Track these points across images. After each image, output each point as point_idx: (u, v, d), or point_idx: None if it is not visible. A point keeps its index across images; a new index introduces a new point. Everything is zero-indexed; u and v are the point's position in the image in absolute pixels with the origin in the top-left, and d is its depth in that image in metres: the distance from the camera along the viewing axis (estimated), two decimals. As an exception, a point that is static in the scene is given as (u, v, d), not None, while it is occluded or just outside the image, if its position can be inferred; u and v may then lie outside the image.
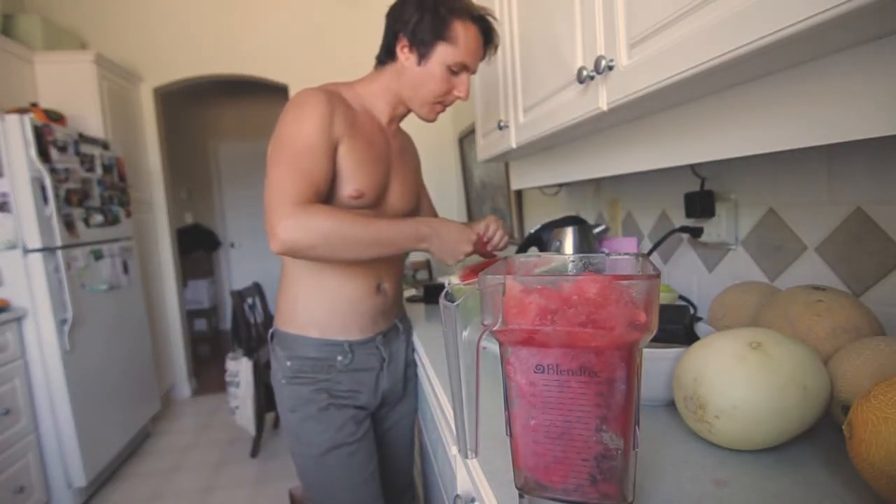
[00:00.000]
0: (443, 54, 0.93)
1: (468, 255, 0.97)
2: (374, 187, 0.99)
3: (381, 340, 1.08)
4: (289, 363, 1.01)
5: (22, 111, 2.05)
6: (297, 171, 0.87)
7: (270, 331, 1.08)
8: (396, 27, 0.95)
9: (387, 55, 0.99)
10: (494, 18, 0.98)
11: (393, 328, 1.12)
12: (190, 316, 4.23)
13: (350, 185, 0.94)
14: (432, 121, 1.05)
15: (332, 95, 0.94)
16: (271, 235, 0.85)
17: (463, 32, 0.93)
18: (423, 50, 0.94)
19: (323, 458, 1.01)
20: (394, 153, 1.06)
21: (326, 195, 0.94)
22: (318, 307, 1.01)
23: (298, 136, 0.89)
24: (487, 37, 0.97)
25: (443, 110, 1.03)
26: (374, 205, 1.00)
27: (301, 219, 0.84)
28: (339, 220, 0.86)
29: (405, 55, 0.96)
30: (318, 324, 1.01)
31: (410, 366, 1.18)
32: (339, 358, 1.02)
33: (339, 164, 0.93)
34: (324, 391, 1.01)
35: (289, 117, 0.91)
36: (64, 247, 2.08)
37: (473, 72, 0.98)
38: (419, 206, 1.20)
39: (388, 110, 1.03)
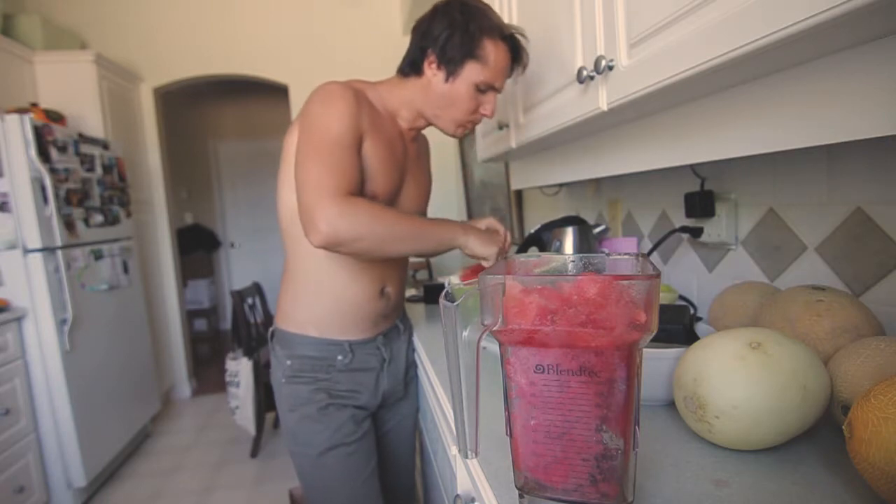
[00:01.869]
0: (471, 73, 0.92)
1: (500, 245, 0.97)
2: (388, 191, 0.98)
3: (382, 341, 1.07)
4: (288, 362, 1.01)
5: (22, 111, 2.06)
6: (331, 164, 0.86)
7: (270, 329, 1.07)
8: (424, 43, 0.93)
9: (411, 69, 0.97)
10: (524, 37, 0.96)
11: (394, 328, 1.11)
12: (190, 316, 4.23)
13: (365, 185, 0.93)
14: (458, 137, 1.04)
15: (358, 92, 0.93)
16: (312, 229, 0.82)
17: (493, 51, 0.91)
18: (451, 67, 0.92)
19: (321, 458, 1.00)
20: (410, 158, 1.05)
21: None
22: (319, 307, 1.00)
23: (330, 129, 0.87)
24: (516, 55, 0.95)
25: (470, 129, 1.02)
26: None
27: (345, 210, 0.82)
28: (382, 213, 0.86)
29: (433, 71, 0.94)
30: (319, 323, 1.01)
31: (412, 366, 1.17)
32: (339, 357, 1.01)
33: (361, 161, 0.92)
34: (323, 391, 1.01)
35: (318, 109, 0.89)
36: (64, 247, 2.08)
37: (500, 91, 0.97)
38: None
39: (409, 120, 1.02)
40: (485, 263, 0.98)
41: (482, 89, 0.94)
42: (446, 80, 0.93)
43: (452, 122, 0.98)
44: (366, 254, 0.89)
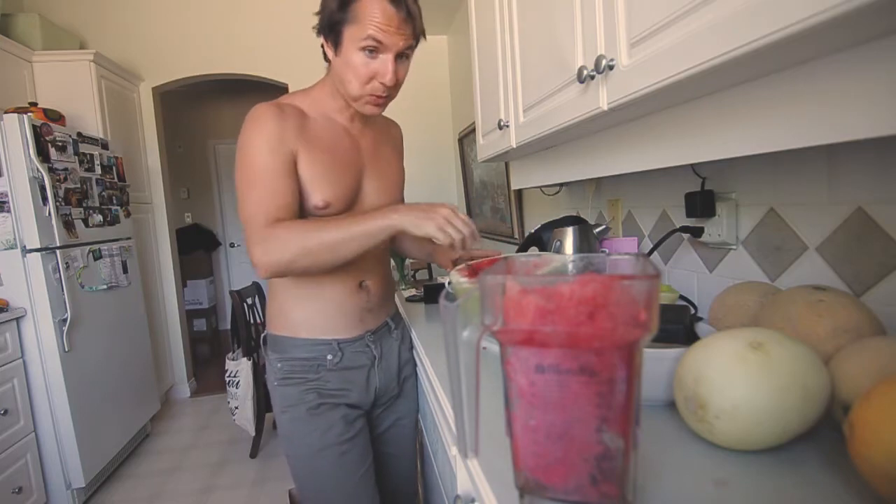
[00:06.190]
0: (350, 36, 0.88)
1: (448, 218, 0.85)
2: (343, 196, 0.97)
3: (371, 338, 1.07)
4: (279, 365, 1.02)
5: (21, 110, 2.05)
6: (261, 193, 0.88)
7: (263, 335, 1.08)
8: (317, 26, 0.94)
9: (324, 57, 0.97)
10: None
11: (384, 326, 1.11)
12: (190, 316, 4.23)
13: (315, 195, 0.94)
14: (374, 114, 0.98)
15: (283, 108, 0.93)
16: (254, 264, 0.87)
17: (362, 8, 0.87)
18: (334, 38, 0.91)
19: (313, 459, 1.01)
20: (365, 153, 1.04)
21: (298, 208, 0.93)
22: (304, 308, 1.02)
23: (254, 157, 0.89)
24: (396, 3, 0.87)
25: (381, 101, 0.95)
26: (345, 211, 0.99)
27: (272, 239, 0.86)
28: (309, 228, 0.87)
29: (328, 50, 0.94)
30: (306, 324, 1.02)
31: (406, 364, 1.17)
32: (329, 357, 1.02)
33: (300, 175, 0.93)
34: (313, 391, 1.01)
35: (244, 138, 0.92)
36: (63, 247, 2.08)
37: (398, 53, 0.90)
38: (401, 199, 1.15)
39: (344, 109, 1.00)
40: (436, 241, 0.88)
41: (370, 50, 0.89)
42: (336, 52, 0.92)
43: (353, 96, 0.94)
44: (315, 269, 0.90)
